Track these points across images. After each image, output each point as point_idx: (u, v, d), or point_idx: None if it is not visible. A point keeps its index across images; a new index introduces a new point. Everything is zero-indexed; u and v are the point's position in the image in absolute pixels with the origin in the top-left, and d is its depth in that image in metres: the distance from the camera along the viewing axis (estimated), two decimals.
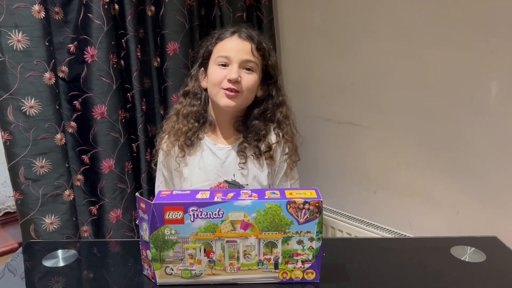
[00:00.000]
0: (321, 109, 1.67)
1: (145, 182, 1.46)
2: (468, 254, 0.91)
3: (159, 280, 0.82)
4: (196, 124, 1.08)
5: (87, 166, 1.32)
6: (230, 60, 1.01)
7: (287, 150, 1.09)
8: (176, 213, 0.77)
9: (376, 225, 1.52)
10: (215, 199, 0.78)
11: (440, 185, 1.37)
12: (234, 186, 1.07)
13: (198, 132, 1.08)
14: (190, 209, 0.77)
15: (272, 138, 1.08)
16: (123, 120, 1.34)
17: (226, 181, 1.07)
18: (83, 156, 1.31)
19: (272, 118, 1.09)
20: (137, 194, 0.83)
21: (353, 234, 1.55)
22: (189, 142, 1.07)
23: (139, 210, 0.81)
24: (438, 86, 1.32)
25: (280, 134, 1.08)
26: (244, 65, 1.01)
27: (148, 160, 1.46)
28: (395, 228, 1.49)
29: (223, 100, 1.01)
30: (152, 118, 1.51)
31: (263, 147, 1.07)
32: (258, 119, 1.07)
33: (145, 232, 0.80)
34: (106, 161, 1.32)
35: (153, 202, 0.77)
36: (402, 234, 1.46)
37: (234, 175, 1.08)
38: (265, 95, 1.08)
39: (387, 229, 1.50)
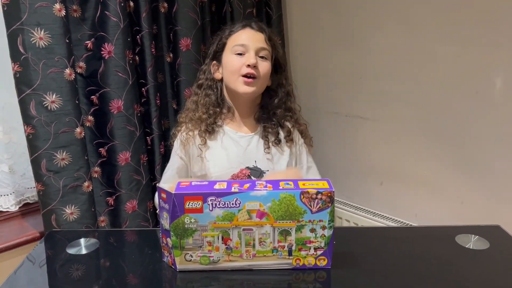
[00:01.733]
0: (330, 103, 1.68)
1: (159, 174, 1.46)
2: (472, 242, 0.93)
3: (179, 266, 0.84)
4: (217, 109, 1.10)
5: (104, 159, 1.34)
6: (246, 48, 1.05)
7: (301, 135, 1.15)
8: (196, 202, 0.80)
9: (382, 215, 1.54)
10: (232, 190, 0.80)
11: (444, 176, 1.38)
12: (256, 172, 1.09)
13: (217, 119, 1.10)
14: (209, 199, 0.80)
15: (288, 124, 1.14)
16: (139, 114, 1.36)
17: (248, 168, 1.09)
18: (100, 149, 1.33)
19: (288, 105, 1.14)
20: (158, 184, 0.87)
21: (360, 224, 1.57)
22: (210, 128, 1.09)
23: (160, 200, 0.84)
24: (444, 80, 1.33)
25: (293, 119, 1.14)
26: (259, 53, 1.06)
27: (162, 153, 1.48)
28: (401, 218, 1.50)
29: (242, 87, 1.04)
30: (166, 112, 1.53)
31: (283, 132, 1.11)
32: (279, 107, 1.12)
33: (165, 221, 0.83)
34: (123, 154, 1.34)
35: (174, 192, 0.79)
36: (408, 224, 1.48)
37: (255, 161, 1.10)
38: (276, 85, 1.11)
39: (393, 219, 1.51)
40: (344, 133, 1.65)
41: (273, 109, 1.11)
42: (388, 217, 1.52)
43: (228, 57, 1.07)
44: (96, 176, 1.35)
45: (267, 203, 0.80)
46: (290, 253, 0.83)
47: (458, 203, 1.36)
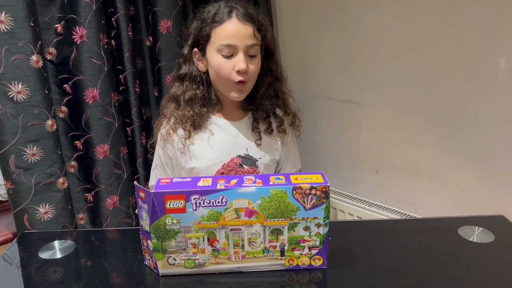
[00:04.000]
0: (321, 88, 1.64)
1: (141, 167, 1.44)
2: (476, 235, 0.90)
3: (162, 271, 0.80)
4: (204, 109, 1.06)
5: (81, 152, 1.29)
6: (234, 49, 0.97)
7: (290, 122, 1.13)
8: (178, 202, 0.75)
9: (378, 205, 1.52)
10: (218, 187, 0.76)
11: (444, 164, 1.36)
12: (248, 160, 1.06)
13: (205, 115, 1.06)
14: (192, 197, 0.75)
15: (279, 112, 1.11)
16: (116, 104, 1.31)
17: (239, 156, 1.06)
18: (76, 142, 1.29)
19: (276, 93, 1.09)
20: (135, 183, 0.81)
21: (355, 214, 1.55)
22: (196, 124, 1.05)
23: (138, 200, 0.79)
24: (443, 62, 1.29)
25: (284, 107, 1.10)
26: (249, 51, 0.99)
27: (143, 144, 1.44)
28: (398, 208, 1.48)
29: (233, 94, 1.01)
30: (146, 101, 1.48)
31: (275, 122, 1.09)
32: (266, 98, 1.08)
33: (145, 222, 0.79)
34: (100, 147, 1.29)
35: (153, 191, 0.74)
36: (405, 214, 1.46)
37: (247, 149, 1.07)
38: (265, 71, 1.06)
39: (390, 209, 1.49)
40: (338, 120, 1.61)
41: (263, 97, 1.07)
42: (384, 206, 1.50)
43: (214, 57, 0.99)
44: (73, 171, 1.31)
45: (256, 200, 0.76)
46: (282, 253, 0.80)
47: (458, 191, 1.34)
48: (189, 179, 0.80)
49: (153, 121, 1.13)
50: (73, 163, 1.30)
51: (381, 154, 1.52)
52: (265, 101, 1.06)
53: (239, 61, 0.97)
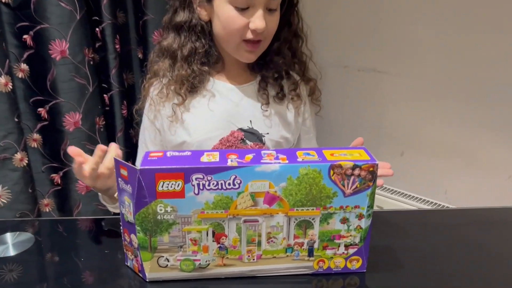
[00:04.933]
0: (336, 54, 1.59)
1: (121, 142, 1.37)
2: None
3: (150, 275, 0.68)
4: (205, 68, 0.96)
5: (46, 123, 1.21)
6: (253, 2, 0.87)
7: (308, 92, 1.04)
8: (174, 182, 0.63)
9: (404, 193, 1.48)
10: (229, 163, 0.63)
11: (486, 144, 1.31)
12: (252, 135, 0.97)
13: (205, 75, 0.97)
14: (194, 177, 0.62)
15: (294, 75, 1.03)
16: (91, 62, 1.22)
17: (241, 129, 0.96)
18: (40, 109, 1.20)
19: (292, 51, 1.00)
20: (114, 157, 0.69)
21: (376, 204, 1.48)
22: (193, 87, 0.96)
23: (119, 180, 0.66)
24: (484, 21, 1.23)
25: (301, 70, 1.02)
26: (269, 5, 0.88)
27: (124, 116, 1.36)
28: (426, 196, 1.44)
29: (244, 55, 0.92)
30: (129, 63, 1.40)
31: (288, 85, 1.00)
32: (279, 54, 0.97)
33: (127, 210, 0.66)
34: (71, 116, 1.21)
35: (139, 167, 0.62)
36: (435, 204, 1.42)
37: (250, 121, 0.97)
38: (282, 24, 0.96)
39: (417, 198, 1.46)
40: (356, 92, 1.57)
41: (276, 53, 0.97)
42: (410, 195, 1.47)
43: (225, 7, 0.88)
44: (35, 145, 1.22)
45: (280, 182, 0.64)
46: (311, 253, 0.69)
47: (503, 177, 1.30)
48: (189, 153, 0.67)
49: (142, 81, 1.04)
50: (36, 135, 1.22)
51: (408, 132, 1.48)
52: (278, 58, 0.97)
53: (257, 18, 0.86)
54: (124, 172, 0.64)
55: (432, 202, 1.41)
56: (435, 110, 1.39)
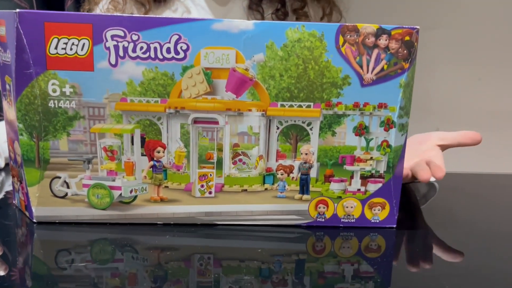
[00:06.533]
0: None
1: None
2: None
3: (37, 211, 0.48)
4: None
5: None
6: None
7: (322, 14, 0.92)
8: (75, 40, 0.45)
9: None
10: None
11: None
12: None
13: None
14: (109, 33, 0.45)
15: None
16: None
17: None
18: None
19: None
20: None
21: None
22: None
23: None
24: None
25: None
26: None
27: None
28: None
29: None
30: None
31: (292, 1, 0.89)
32: None
33: (10, 99, 0.48)
34: None
35: (18, 10, 0.44)
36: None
37: None
38: None
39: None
40: None
41: None
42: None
43: None
44: None
45: (254, 52, 0.47)
46: (305, 189, 0.50)
47: None
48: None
49: None
50: None
51: (446, 103, 1.39)
52: None
53: None
54: (1, 30, 0.45)
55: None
56: (483, 74, 1.31)
